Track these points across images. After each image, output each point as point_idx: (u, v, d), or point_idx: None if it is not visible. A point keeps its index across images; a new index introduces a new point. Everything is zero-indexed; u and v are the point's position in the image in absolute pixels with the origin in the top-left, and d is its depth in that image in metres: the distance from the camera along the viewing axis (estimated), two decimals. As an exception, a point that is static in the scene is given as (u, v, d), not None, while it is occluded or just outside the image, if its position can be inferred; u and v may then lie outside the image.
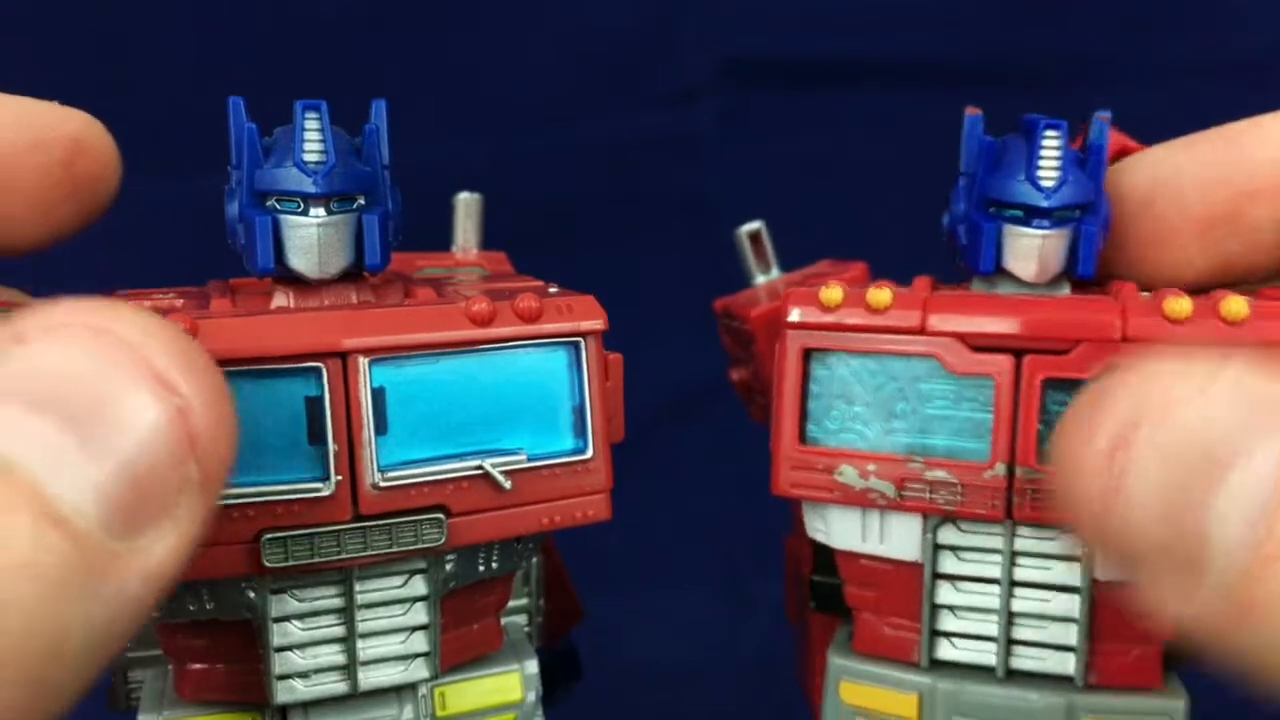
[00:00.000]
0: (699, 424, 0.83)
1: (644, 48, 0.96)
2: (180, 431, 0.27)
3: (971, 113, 0.42)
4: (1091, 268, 0.41)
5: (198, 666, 0.39)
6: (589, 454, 0.39)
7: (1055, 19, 0.93)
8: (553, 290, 0.41)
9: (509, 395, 0.38)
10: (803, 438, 0.42)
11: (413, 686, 0.40)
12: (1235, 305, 0.38)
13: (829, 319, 0.41)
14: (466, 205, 0.52)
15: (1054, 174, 0.40)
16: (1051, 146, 0.40)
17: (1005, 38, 0.93)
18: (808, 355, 0.42)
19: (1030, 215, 0.40)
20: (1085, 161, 0.41)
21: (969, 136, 0.42)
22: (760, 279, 0.54)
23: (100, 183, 0.43)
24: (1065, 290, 0.43)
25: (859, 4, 0.94)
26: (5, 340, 0.27)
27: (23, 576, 0.24)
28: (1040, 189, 0.40)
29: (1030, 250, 0.41)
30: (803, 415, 0.42)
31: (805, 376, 0.42)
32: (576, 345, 0.39)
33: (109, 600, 0.26)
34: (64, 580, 0.25)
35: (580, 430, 0.39)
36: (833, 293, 0.41)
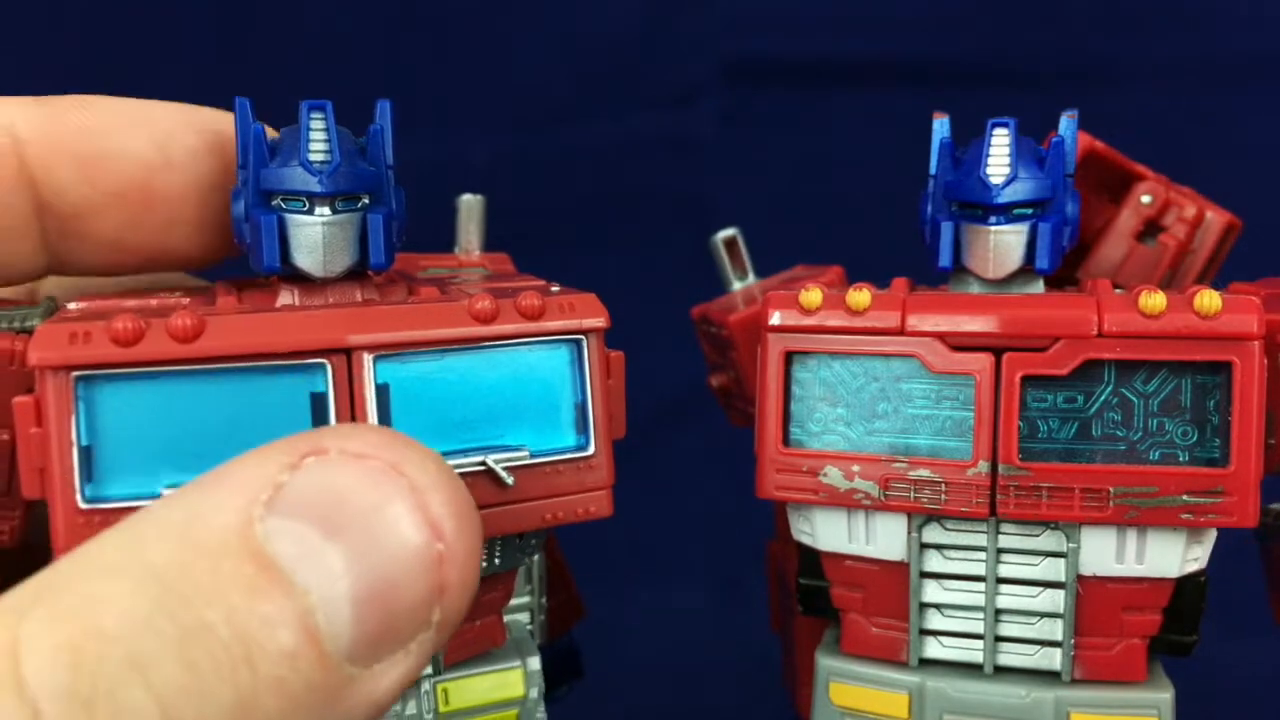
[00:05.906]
0: (699, 423, 0.83)
1: (644, 49, 0.96)
2: (436, 578, 0.28)
3: (938, 117, 0.43)
4: (1048, 262, 0.41)
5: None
6: (591, 450, 0.39)
7: (1055, 19, 0.93)
8: (555, 289, 0.41)
9: (512, 392, 0.38)
10: (786, 440, 0.42)
11: (416, 682, 0.40)
12: (1209, 299, 0.38)
13: (809, 321, 0.42)
14: (469, 207, 0.52)
15: (1002, 171, 0.41)
16: (999, 145, 0.41)
17: (1005, 38, 0.94)
18: (789, 358, 0.42)
19: (986, 212, 0.41)
20: (1045, 159, 0.41)
21: (934, 139, 0.43)
22: (737, 285, 0.55)
23: None
24: (1039, 287, 0.43)
25: (858, 5, 0.95)
26: (307, 448, 0.28)
27: (272, 689, 0.25)
28: (988, 185, 0.40)
29: (984, 246, 0.41)
30: (786, 418, 0.42)
31: (787, 379, 0.42)
32: (579, 343, 0.39)
33: None
34: (305, 698, 0.26)
35: (582, 427, 0.39)
36: (812, 295, 0.42)
